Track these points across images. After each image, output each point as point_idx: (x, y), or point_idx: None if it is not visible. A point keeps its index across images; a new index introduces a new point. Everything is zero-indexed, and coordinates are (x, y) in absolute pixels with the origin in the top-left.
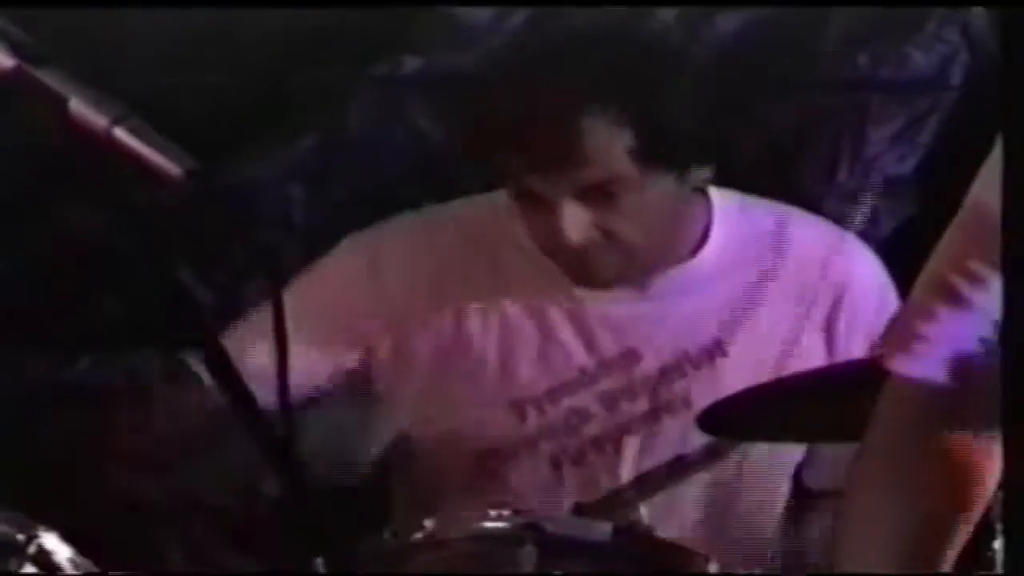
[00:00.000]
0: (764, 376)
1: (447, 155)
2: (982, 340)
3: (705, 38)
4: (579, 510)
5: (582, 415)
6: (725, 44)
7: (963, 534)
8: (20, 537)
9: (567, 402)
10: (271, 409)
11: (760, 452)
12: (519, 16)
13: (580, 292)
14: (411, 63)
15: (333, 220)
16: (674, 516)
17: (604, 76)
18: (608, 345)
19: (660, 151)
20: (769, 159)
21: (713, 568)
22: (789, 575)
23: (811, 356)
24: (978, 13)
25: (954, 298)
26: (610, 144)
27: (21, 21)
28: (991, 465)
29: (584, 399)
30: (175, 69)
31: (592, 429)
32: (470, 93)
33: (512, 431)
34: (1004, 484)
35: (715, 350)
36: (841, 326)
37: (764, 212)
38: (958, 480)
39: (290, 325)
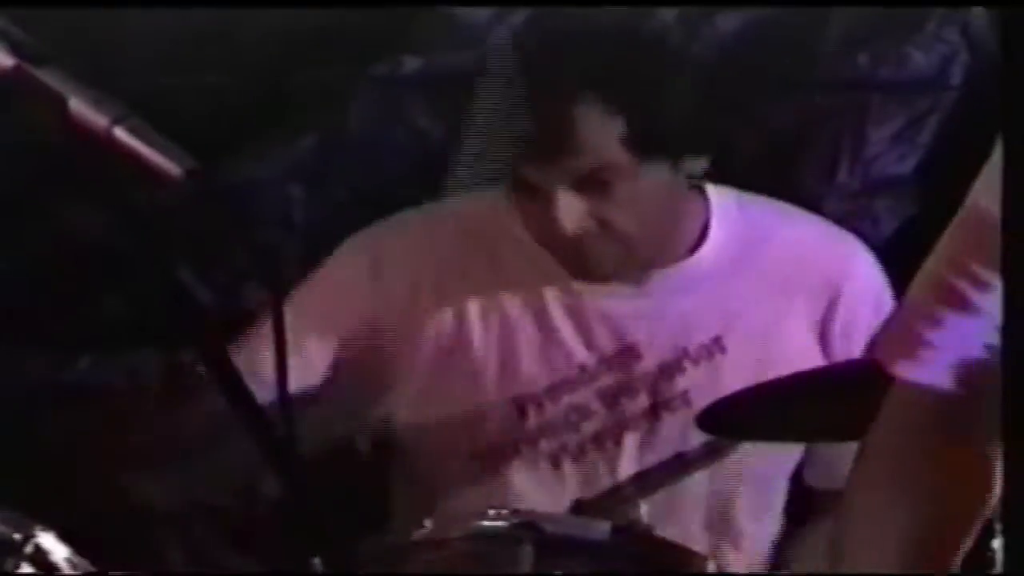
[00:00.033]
0: (763, 374)
1: (447, 155)
2: (988, 346)
3: (705, 38)
4: (579, 508)
5: (582, 412)
6: (725, 44)
7: (966, 539)
8: (17, 536)
9: (567, 399)
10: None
11: (760, 451)
12: (519, 16)
13: (579, 286)
14: (411, 63)
15: (333, 220)
16: (674, 514)
17: (597, 64)
18: (608, 342)
19: (653, 139)
20: (769, 159)
21: (712, 568)
22: (789, 575)
23: (807, 355)
24: (978, 13)
25: (961, 303)
26: (603, 132)
27: (21, 21)
28: (994, 469)
29: (584, 396)
30: (175, 69)
31: (592, 426)
32: (469, 89)
33: (513, 429)
34: (1004, 484)
35: (714, 348)
36: (836, 326)
37: (762, 210)
38: (962, 485)
39: (296, 328)
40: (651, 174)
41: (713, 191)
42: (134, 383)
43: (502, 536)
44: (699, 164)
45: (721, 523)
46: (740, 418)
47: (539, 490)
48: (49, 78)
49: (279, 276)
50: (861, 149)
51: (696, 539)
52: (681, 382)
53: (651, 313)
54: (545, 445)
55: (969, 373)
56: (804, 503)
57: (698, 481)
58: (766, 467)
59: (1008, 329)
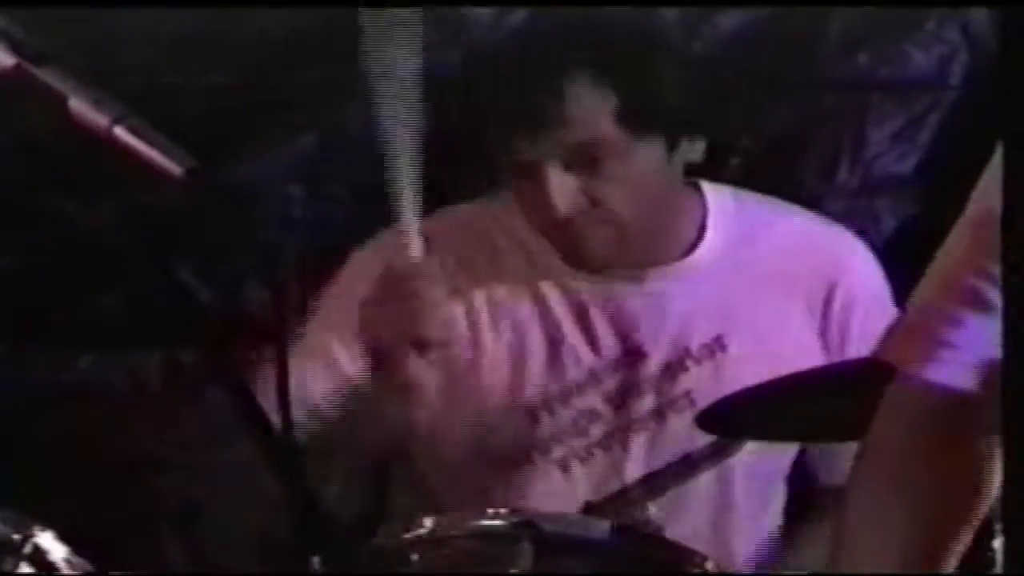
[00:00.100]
0: (765, 372)
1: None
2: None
3: (705, 36)
4: (588, 509)
5: (590, 415)
6: (725, 43)
7: (966, 538)
8: (16, 536)
9: (576, 403)
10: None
11: (760, 451)
12: (519, 15)
13: (578, 283)
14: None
15: (333, 220)
16: (682, 515)
17: (589, 39)
18: (612, 344)
19: (645, 116)
20: (769, 159)
21: (712, 567)
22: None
23: (807, 350)
24: (978, 13)
25: (981, 303)
26: (594, 106)
27: (21, 21)
28: (994, 469)
29: (592, 399)
30: (175, 69)
31: (600, 429)
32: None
33: (525, 435)
34: (1004, 484)
35: (715, 347)
36: (834, 324)
37: (758, 207)
38: (962, 484)
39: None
40: (645, 156)
41: (709, 189)
42: (134, 383)
43: (500, 535)
44: (696, 149)
45: (722, 523)
46: (740, 418)
47: (550, 495)
48: (49, 78)
49: (279, 275)
50: (861, 149)
51: (701, 539)
52: (684, 382)
53: (653, 313)
54: (556, 450)
55: (986, 372)
56: (804, 503)
57: (703, 481)
58: (766, 467)
59: (1008, 329)
